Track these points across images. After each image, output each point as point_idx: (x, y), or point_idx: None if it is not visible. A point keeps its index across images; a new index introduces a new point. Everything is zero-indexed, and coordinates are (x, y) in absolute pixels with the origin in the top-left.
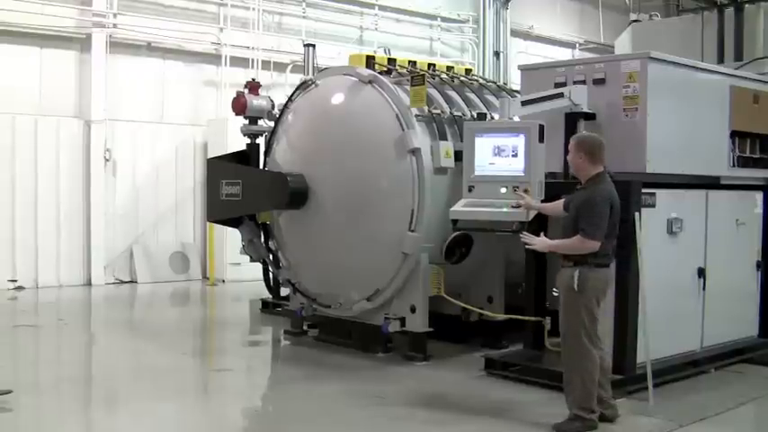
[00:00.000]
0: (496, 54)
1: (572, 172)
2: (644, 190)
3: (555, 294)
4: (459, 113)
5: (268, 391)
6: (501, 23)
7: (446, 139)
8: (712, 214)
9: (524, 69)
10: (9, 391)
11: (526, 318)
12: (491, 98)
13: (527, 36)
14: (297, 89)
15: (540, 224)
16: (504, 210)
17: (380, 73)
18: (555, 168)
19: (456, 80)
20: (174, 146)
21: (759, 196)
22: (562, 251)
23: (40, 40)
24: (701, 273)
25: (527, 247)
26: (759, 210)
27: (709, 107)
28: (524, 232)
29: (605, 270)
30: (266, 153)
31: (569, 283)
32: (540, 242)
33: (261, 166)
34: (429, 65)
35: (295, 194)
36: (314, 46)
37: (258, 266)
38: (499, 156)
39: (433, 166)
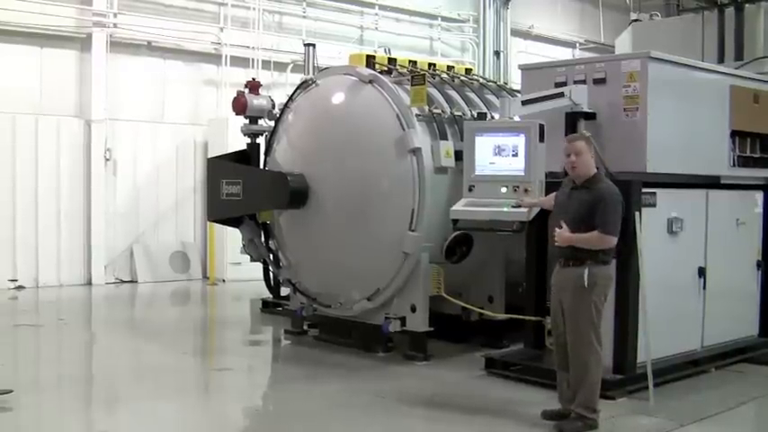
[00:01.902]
0: (497, 54)
1: (577, 173)
2: (644, 190)
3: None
4: (460, 113)
5: (268, 390)
6: (501, 23)
7: (446, 139)
8: (712, 214)
9: (525, 69)
10: (10, 391)
11: (526, 317)
12: (491, 98)
13: (527, 35)
14: (297, 89)
15: (541, 222)
16: (505, 209)
17: (381, 72)
18: (555, 168)
19: (456, 80)
20: (175, 145)
21: (759, 196)
22: (580, 245)
23: (40, 39)
24: (702, 272)
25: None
26: (759, 209)
27: (710, 107)
28: (563, 224)
29: (609, 267)
30: (266, 153)
31: (577, 282)
32: (558, 234)
33: (261, 166)
34: (429, 64)
35: (295, 194)
36: (314, 45)
37: (258, 266)
38: (499, 155)
39: (434, 166)
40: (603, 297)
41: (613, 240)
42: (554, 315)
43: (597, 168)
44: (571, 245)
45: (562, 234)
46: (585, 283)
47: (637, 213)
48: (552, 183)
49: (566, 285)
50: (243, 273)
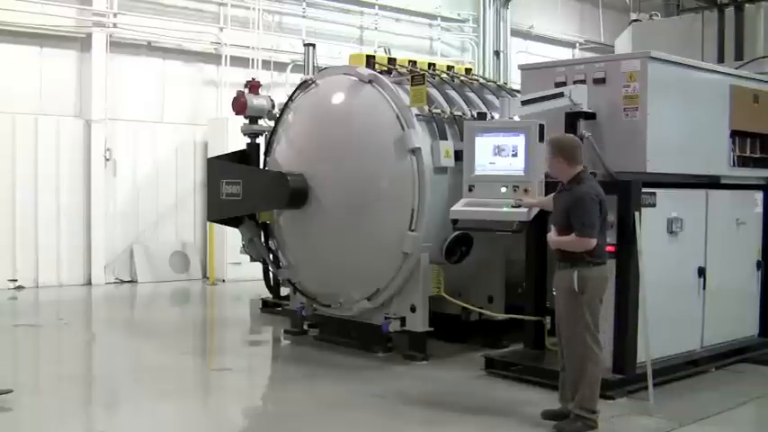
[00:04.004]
0: (497, 53)
1: (552, 175)
2: (644, 190)
3: (555, 294)
4: (460, 113)
5: (268, 390)
6: (501, 23)
7: (446, 139)
8: (712, 214)
9: (524, 69)
10: (9, 391)
11: (526, 317)
12: (491, 98)
13: (527, 35)
14: (297, 89)
15: (541, 222)
16: (505, 209)
17: (381, 72)
18: None
19: (456, 80)
20: (175, 145)
21: (759, 196)
22: (564, 247)
23: (40, 39)
24: (702, 272)
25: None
26: (759, 209)
27: (710, 107)
28: (552, 226)
29: (603, 267)
30: (266, 153)
31: (569, 284)
32: (548, 237)
33: (261, 166)
34: (429, 64)
35: (295, 194)
36: (314, 45)
37: (258, 266)
38: (499, 155)
39: (434, 166)
40: (598, 298)
41: (591, 242)
42: (557, 316)
43: (584, 168)
44: (559, 247)
45: (550, 237)
46: (576, 286)
47: (636, 213)
48: (552, 183)
49: (559, 287)
50: (243, 273)
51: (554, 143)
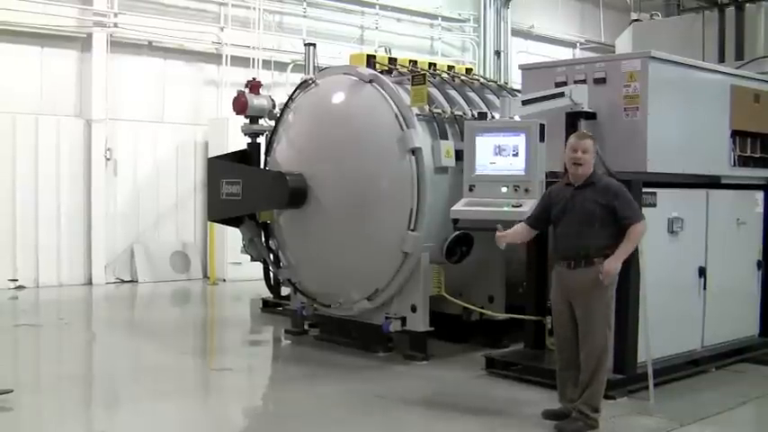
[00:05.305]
0: (497, 53)
1: (580, 171)
2: (644, 189)
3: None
4: (460, 113)
5: (268, 390)
6: (502, 23)
7: (447, 139)
8: (713, 214)
9: (525, 69)
10: (10, 391)
11: (527, 317)
12: (492, 97)
13: (528, 35)
14: (297, 88)
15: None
16: (505, 209)
17: (381, 72)
18: (555, 168)
19: (457, 79)
20: (175, 145)
21: (760, 196)
22: (631, 250)
23: (40, 39)
24: (702, 272)
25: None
26: (760, 209)
27: (710, 106)
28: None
29: None
30: (267, 152)
31: (594, 282)
32: (612, 270)
33: (261, 166)
34: (430, 64)
35: (295, 194)
36: (314, 45)
37: (258, 266)
38: (500, 155)
39: (434, 166)
40: (614, 290)
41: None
42: (558, 316)
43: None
44: (585, 248)
45: (614, 267)
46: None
47: None
48: (552, 183)
49: (579, 287)
50: (243, 273)
51: (592, 138)
